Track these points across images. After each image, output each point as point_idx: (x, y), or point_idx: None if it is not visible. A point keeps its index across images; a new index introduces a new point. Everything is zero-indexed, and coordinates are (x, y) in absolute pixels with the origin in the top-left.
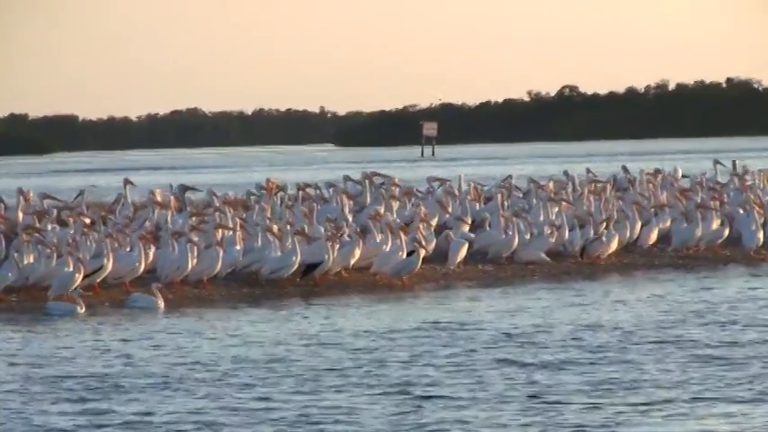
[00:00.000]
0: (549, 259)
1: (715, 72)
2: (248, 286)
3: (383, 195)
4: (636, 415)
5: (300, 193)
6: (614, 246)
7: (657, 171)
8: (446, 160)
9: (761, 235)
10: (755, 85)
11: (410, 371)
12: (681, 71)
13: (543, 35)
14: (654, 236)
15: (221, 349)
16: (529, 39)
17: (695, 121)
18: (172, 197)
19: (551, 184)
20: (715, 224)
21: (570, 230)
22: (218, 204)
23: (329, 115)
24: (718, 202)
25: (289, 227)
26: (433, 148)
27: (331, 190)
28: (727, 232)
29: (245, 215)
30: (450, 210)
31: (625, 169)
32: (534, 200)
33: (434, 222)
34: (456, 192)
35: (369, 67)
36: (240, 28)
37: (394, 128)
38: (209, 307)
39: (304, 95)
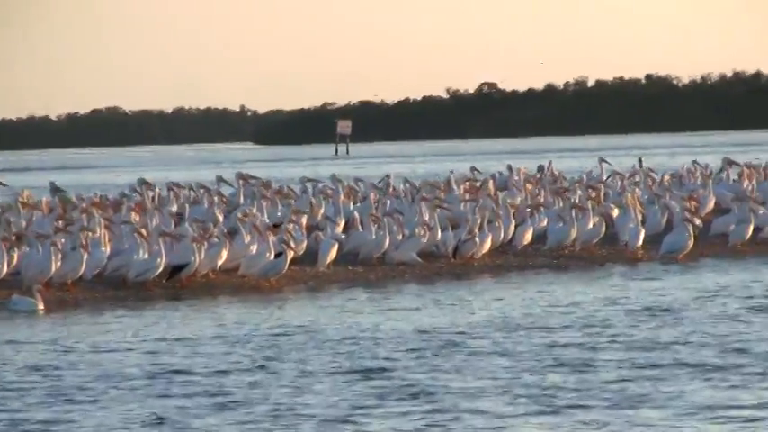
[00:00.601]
0: (420, 260)
1: (634, 69)
2: (113, 289)
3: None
4: (433, 426)
5: (171, 193)
6: (487, 246)
7: (540, 169)
8: (360, 158)
9: (642, 235)
10: (674, 82)
11: (201, 380)
12: (600, 68)
13: (462, 32)
14: (528, 236)
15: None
16: (447, 36)
17: (615, 117)
18: (44, 198)
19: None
20: (591, 223)
21: (443, 231)
22: (84, 206)
23: (249, 113)
24: (595, 202)
25: (155, 228)
26: (347, 147)
27: (201, 191)
28: (603, 231)
29: (112, 216)
30: (321, 210)
31: (510, 168)
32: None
33: (305, 222)
34: (329, 192)
35: (289, 64)
36: (159, 26)
37: (313, 126)
38: (72, 310)
39: (224, 94)
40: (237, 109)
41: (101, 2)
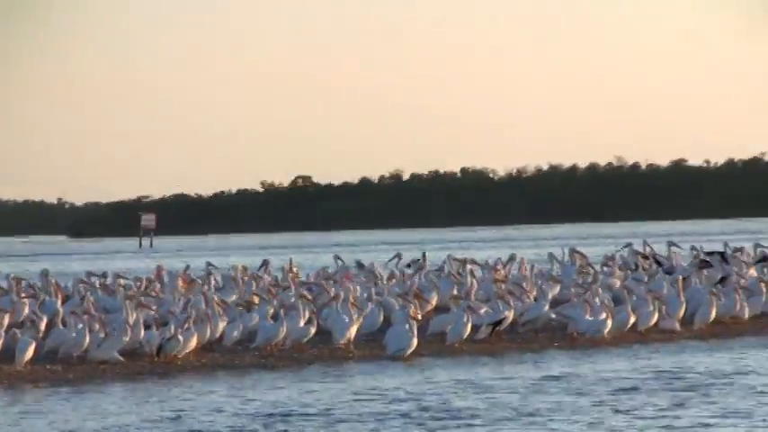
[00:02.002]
0: (121, 359)
1: (449, 162)
2: None
3: None
4: None
5: None
6: (193, 344)
7: (265, 263)
8: (164, 251)
9: (353, 330)
10: (491, 175)
11: None
12: (415, 161)
13: (276, 125)
14: (237, 333)
15: None
16: (262, 129)
17: (430, 211)
18: None
19: (144, 281)
20: (302, 322)
21: (147, 329)
22: None
23: (67, 206)
24: (308, 299)
25: None
26: (152, 240)
27: None
28: (313, 330)
29: None
30: (26, 308)
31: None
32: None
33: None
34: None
35: (108, 157)
36: None
37: (126, 219)
38: None
39: (42, 185)
40: (55, 201)
41: None
